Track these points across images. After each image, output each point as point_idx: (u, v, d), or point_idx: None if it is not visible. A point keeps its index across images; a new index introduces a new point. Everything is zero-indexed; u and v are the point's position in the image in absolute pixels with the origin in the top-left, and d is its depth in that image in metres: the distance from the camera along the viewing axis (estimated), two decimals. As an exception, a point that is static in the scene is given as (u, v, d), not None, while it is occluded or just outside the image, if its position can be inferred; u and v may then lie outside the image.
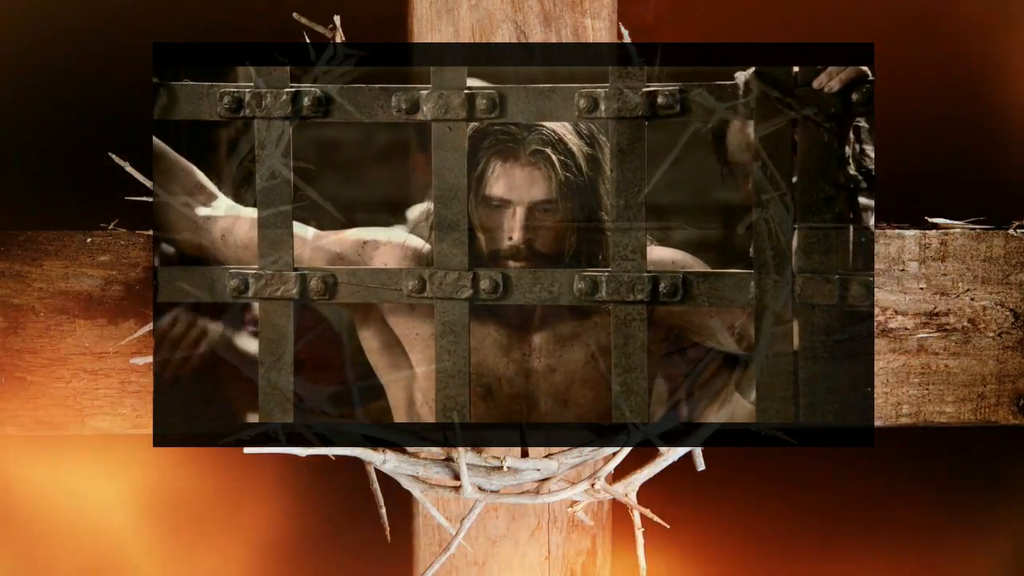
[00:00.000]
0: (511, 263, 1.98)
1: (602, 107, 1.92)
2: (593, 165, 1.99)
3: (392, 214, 2.14)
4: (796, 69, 1.87)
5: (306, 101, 1.94)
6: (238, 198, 2.10)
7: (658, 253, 2.03)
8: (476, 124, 1.95)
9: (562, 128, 1.97)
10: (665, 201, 2.10)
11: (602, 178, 1.99)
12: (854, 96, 1.85)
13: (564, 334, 2.04)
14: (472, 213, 1.98)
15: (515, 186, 1.98)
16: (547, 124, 1.97)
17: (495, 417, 2.04)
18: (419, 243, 2.05)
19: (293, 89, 1.94)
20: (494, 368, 2.04)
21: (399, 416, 2.09)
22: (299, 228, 2.05)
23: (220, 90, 1.95)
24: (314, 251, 2.04)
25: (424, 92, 1.93)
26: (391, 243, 2.05)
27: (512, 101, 1.93)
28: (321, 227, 2.07)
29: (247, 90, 1.95)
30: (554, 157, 1.97)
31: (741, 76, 1.89)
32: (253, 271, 1.97)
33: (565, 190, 1.97)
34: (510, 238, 1.98)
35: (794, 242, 1.89)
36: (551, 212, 1.98)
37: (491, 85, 1.95)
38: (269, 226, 1.96)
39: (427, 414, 2.04)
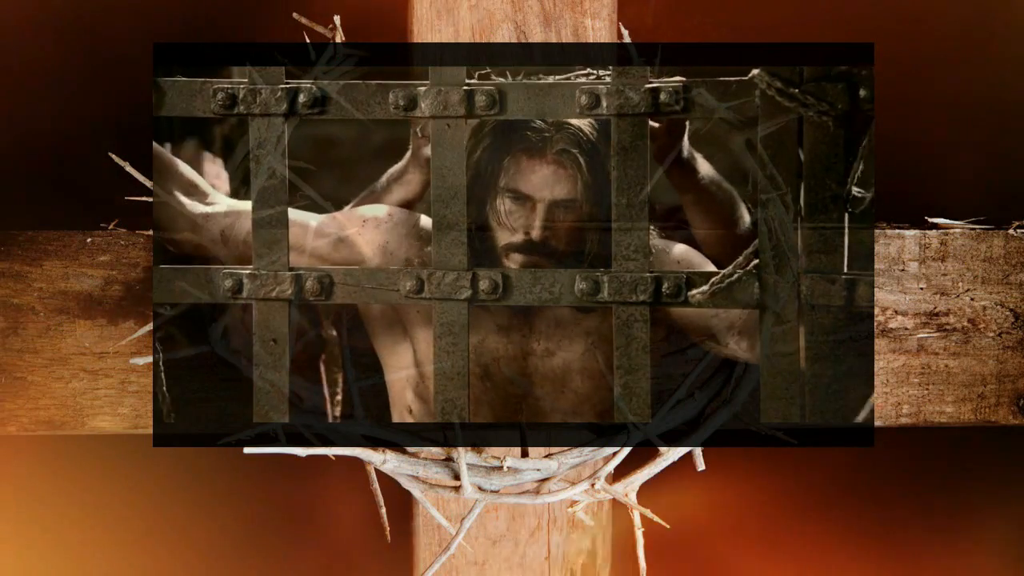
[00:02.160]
0: (526, 258, 1.93)
1: (604, 104, 1.87)
2: None
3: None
4: (802, 68, 1.83)
5: (302, 98, 1.89)
6: (238, 198, 2.05)
7: (671, 249, 2.00)
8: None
9: (590, 127, 1.92)
10: (667, 200, 2.06)
11: None
12: (861, 92, 1.81)
13: (566, 322, 2.00)
14: (490, 205, 1.93)
15: (538, 183, 1.93)
16: (574, 122, 1.92)
17: (493, 399, 2.00)
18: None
19: (288, 85, 1.89)
20: (493, 350, 2.00)
21: (396, 406, 2.05)
22: (302, 216, 2.00)
23: (214, 86, 1.90)
24: (317, 238, 1.99)
25: (422, 89, 1.88)
26: (393, 219, 2.01)
27: (512, 98, 1.88)
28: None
29: (241, 87, 1.89)
30: (581, 158, 1.92)
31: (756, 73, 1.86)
32: (248, 271, 1.92)
33: (589, 191, 1.92)
34: (527, 233, 1.93)
35: (800, 242, 1.85)
36: (572, 211, 1.93)
37: (493, 82, 1.91)
38: (265, 226, 1.91)
39: (426, 396, 2.01)
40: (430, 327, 1.96)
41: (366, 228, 2.00)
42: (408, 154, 2.03)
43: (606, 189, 1.92)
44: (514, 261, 1.94)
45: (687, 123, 1.95)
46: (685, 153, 1.95)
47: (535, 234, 1.93)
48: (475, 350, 1.98)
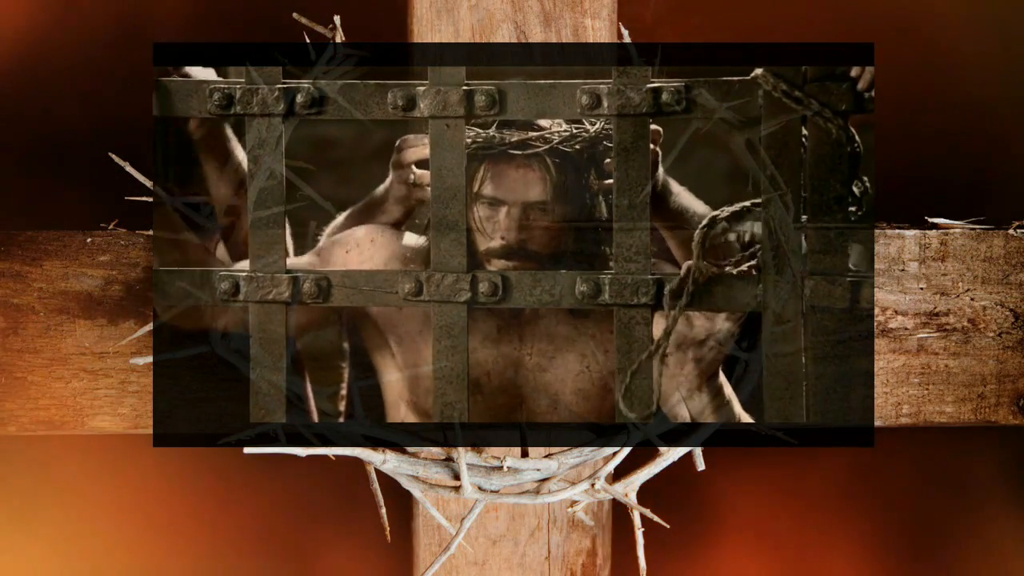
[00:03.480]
0: (506, 262, 1.90)
1: (605, 104, 1.84)
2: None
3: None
4: (806, 68, 1.81)
5: (299, 98, 1.85)
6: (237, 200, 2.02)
7: None
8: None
9: (560, 128, 1.90)
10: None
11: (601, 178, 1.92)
12: (866, 93, 1.79)
13: (559, 337, 1.97)
14: (468, 212, 1.90)
15: (509, 186, 1.90)
16: (543, 123, 1.90)
17: (483, 413, 1.98)
18: (417, 240, 1.98)
19: (285, 85, 1.86)
20: (483, 362, 1.96)
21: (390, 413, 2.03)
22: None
23: (210, 86, 1.86)
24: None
25: (421, 88, 1.85)
26: (375, 244, 1.98)
27: (512, 98, 1.85)
28: (318, 226, 2.01)
29: (238, 86, 1.86)
30: (548, 159, 1.89)
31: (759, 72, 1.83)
32: (244, 273, 1.89)
33: (559, 192, 1.90)
34: (503, 237, 1.90)
35: (804, 243, 1.83)
36: (545, 213, 1.90)
37: (492, 81, 1.88)
38: (262, 227, 1.87)
39: (411, 412, 1.99)
40: (413, 334, 1.94)
41: (350, 258, 1.97)
42: (386, 186, 2.00)
43: (576, 190, 1.90)
44: (495, 267, 1.91)
45: (659, 153, 1.92)
46: (659, 185, 1.92)
47: (511, 237, 1.90)
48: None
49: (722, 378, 1.93)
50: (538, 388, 1.97)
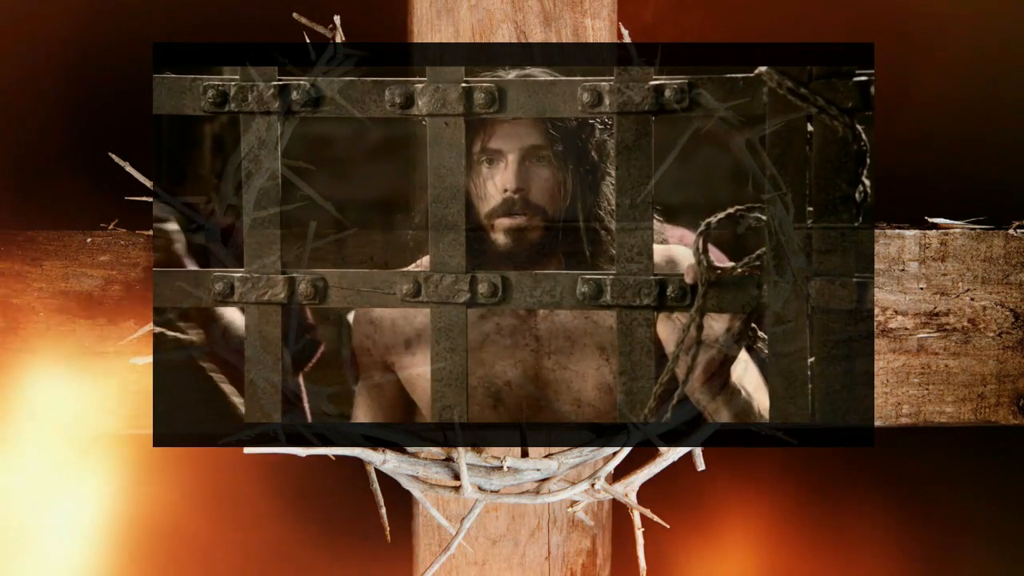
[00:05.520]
0: (510, 220, 1.86)
1: (606, 101, 1.79)
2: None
3: (386, 214, 2.03)
4: (811, 67, 1.77)
5: (295, 95, 1.80)
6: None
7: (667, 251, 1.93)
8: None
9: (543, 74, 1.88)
10: (671, 200, 1.99)
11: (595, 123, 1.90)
12: (872, 90, 1.73)
13: (575, 334, 1.94)
14: (471, 179, 1.88)
15: (507, 135, 1.87)
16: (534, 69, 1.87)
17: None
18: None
19: (280, 82, 1.80)
20: (501, 373, 1.93)
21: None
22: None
23: (204, 83, 1.81)
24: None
25: (419, 86, 1.80)
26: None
27: (512, 95, 1.80)
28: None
29: (232, 83, 1.81)
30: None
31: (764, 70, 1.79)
32: (240, 274, 1.83)
33: (554, 137, 1.87)
34: (505, 189, 1.86)
35: (800, 243, 1.78)
36: (544, 161, 1.87)
37: (492, 79, 1.84)
38: (259, 227, 1.82)
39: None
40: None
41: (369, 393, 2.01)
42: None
43: (570, 136, 1.87)
44: (500, 227, 1.87)
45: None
46: None
47: (513, 186, 1.86)
48: (484, 379, 1.93)
49: (734, 376, 1.87)
50: (559, 389, 1.93)
